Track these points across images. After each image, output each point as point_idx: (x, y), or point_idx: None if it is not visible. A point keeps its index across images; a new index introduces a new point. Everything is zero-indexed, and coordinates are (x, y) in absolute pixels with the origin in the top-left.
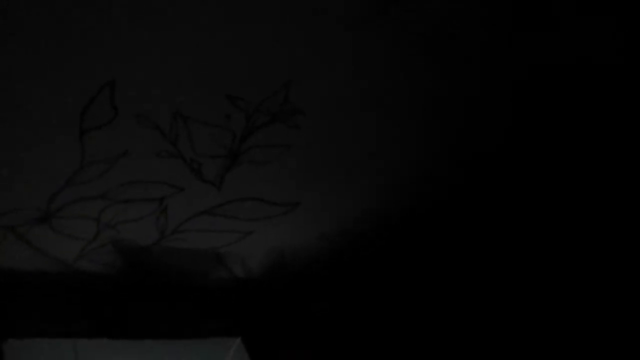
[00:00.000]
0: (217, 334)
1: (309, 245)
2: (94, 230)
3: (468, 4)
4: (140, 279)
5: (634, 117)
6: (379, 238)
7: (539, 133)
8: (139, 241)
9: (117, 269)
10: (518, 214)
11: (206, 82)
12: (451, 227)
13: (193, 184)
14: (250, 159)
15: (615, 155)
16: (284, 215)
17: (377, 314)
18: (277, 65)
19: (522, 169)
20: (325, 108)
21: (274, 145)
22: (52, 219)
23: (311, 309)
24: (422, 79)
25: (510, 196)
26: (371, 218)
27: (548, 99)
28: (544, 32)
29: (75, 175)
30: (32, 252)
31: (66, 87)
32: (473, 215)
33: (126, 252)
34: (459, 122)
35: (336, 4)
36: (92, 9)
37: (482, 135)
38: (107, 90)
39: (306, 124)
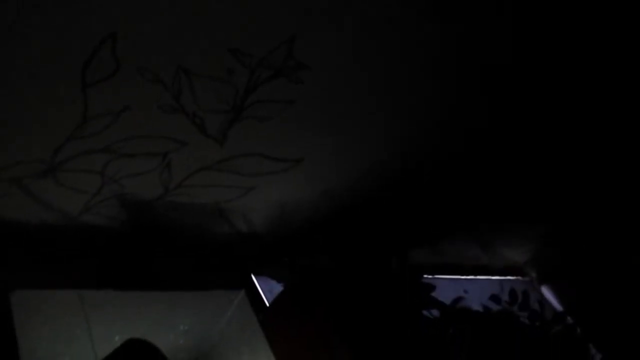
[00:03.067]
0: (220, 287)
1: (312, 201)
2: (98, 184)
3: None
4: (144, 233)
5: None
6: (383, 193)
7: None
8: (143, 195)
9: (122, 222)
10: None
11: (209, 35)
12: (455, 181)
13: (196, 139)
14: (254, 114)
15: None
16: (287, 171)
17: (379, 269)
18: (281, 19)
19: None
20: (330, 62)
21: (277, 101)
22: (57, 172)
23: (313, 263)
24: (426, 34)
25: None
26: (375, 173)
27: None
28: None
29: (78, 129)
30: (36, 204)
31: (67, 39)
32: (476, 167)
33: (130, 206)
34: (461, 78)
35: None
36: None
37: (483, 91)
38: (109, 43)
39: (310, 78)
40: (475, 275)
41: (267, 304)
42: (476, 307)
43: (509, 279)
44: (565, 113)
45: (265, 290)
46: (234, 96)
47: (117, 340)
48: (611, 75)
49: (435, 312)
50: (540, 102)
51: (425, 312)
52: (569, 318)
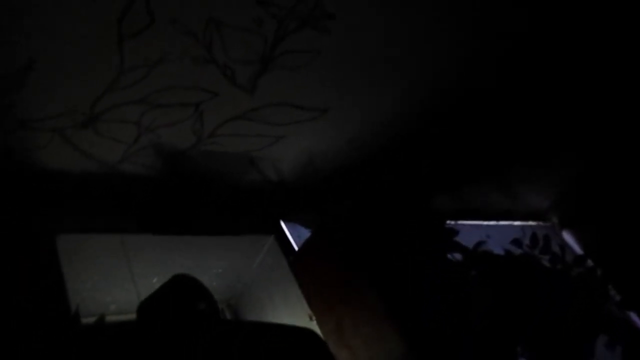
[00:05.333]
0: (251, 232)
1: (338, 149)
2: (134, 134)
3: None
4: (179, 180)
5: None
6: (408, 140)
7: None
8: (177, 145)
9: (158, 170)
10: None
11: None
12: (478, 127)
13: (227, 90)
14: (282, 65)
15: None
16: (315, 120)
17: (401, 215)
18: None
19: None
20: (357, 12)
21: (304, 51)
22: (96, 123)
23: (338, 209)
24: None
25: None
26: (400, 120)
27: None
28: None
29: (115, 81)
30: (78, 154)
31: None
32: (499, 114)
33: (165, 155)
34: (488, 26)
35: None
36: None
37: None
38: None
39: (337, 28)
40: (498, 220)
41: (296, 248)
42: (498, 251)
43: (531, 224)
44: (591, 56)
45: (294, 235)
46: (263, 47)
47: (155, 282)
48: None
49: (458, 256)
50: (566, 45)
51: (448, 256)
52: (589, 261)
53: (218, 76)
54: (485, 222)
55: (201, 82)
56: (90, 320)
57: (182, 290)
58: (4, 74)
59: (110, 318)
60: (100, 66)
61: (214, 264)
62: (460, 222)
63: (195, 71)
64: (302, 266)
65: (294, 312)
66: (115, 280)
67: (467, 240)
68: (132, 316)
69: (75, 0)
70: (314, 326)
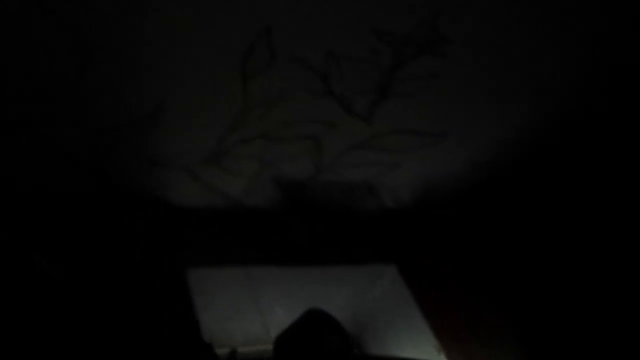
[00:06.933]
0: (372, 261)
1: (459, 173)
2: (256, 168)
3: None
4: (300, 212)
5: None
6: (530, 165)
7: None
8: (297, 176)
9: (279, 203)
10: None
11: (353, 18)
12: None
13: (344, 120)
14: (398, 91)
15: None
16: (433, 145)
17: (535, 239)
18: None
19: None
20: (472, 34)
21: (421, 77)
22: (222, 159)
23: (465, 235)
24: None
25: None
26: (521, 145)
27: None
28: None
29: (239, 118)
30: (204, 189)
31: (227, 37)
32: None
33: (286, 187)
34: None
35: None
36: None
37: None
38: (264, 37)
39: (453, 51)
40: None
41: (421, 277)
42: None
43: None
44: None
45: (415, 263)
46: (380, 75)
47: (281, 314)
48: None
49: None
50: None
51: None
52: None
53: (335, 107)
54: None
55: (319, 114)
56: (219, 351)
57: (316, 325)
58: (136, 117)
59: (238, 349)
60: (224, 105)
61: (336, 294)
62: None
63: (314, 104)
64: (427, 295)
65: (420, 345)
66: (241, 311)
67: None
68: (259, 347)
69: (201, 47)
70: None
